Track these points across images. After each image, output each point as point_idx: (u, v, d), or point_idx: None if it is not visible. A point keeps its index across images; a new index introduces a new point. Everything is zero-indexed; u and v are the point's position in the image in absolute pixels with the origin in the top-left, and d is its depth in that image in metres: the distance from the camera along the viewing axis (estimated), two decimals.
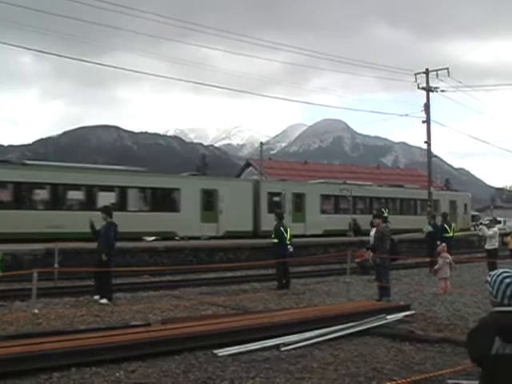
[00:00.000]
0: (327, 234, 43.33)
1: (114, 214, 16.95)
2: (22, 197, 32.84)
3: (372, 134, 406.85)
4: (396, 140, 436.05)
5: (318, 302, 16.03)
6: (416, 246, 36.68)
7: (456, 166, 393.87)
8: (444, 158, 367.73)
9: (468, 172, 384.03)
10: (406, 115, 48.10)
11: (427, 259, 24.81)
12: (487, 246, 22.29)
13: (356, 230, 44.34)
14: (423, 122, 45.49)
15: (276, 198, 43.02)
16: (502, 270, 3.96)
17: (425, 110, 45.41)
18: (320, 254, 33.91)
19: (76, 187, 34.26)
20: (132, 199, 36.54)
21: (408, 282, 21.42)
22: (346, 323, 11.71)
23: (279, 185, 45.40)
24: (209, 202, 39.58)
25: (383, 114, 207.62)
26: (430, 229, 26.85)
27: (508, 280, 3.85)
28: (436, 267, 19.05)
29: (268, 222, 35.72)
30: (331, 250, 35.13)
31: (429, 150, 46.97)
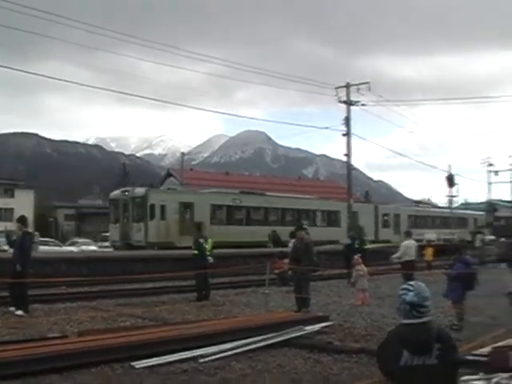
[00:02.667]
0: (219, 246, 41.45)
1: None
2: None
3: (293, 146, 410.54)
4: (317, 152, 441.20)
5: (236, 314, 16.07)
6: (335, 258, 37.23)
7: (376, 178, 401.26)
8: (364, 171, 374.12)
9: (387, 185, 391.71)
10: (327, 128, 48.94)
11: (345, 271, 25.22)
12: (403, 258, 22.72)
13: (276, 241, 44.65)
14: (343, 135, 46.33)
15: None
16: (407, 284, 4.09)
17: (345, 123, 46.25)
18: (240, 265, 33.99)
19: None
20: None
21: (327, 293, 21.72)
22: (265, 334, 11.78)
23: (165, 194, 43.01)
24: None
25: (305, 127, 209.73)
26: (349, 241, 27.40)
27: (403, 295, 3.98)
28: (352, 279, 19.41)
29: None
30: (251, 261, 35.26)
31: (348, 162, 47.83)
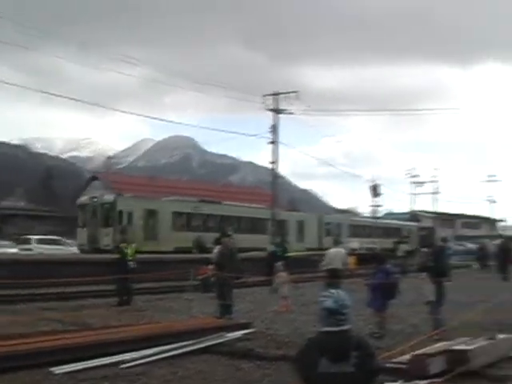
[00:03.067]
0: (179, 250, 42.50)
1: None
2: None
3: (220, 153, 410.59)
4: (244, 159, 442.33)
5: (159, 319, 15.94)
6: (260, 265, 37.40)
7: (302, 186, 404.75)
8: (290, 179, 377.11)
9: (313, 193, 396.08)
10: (254, 136, 49.27)
11: (270, 278, 25.33)
12: (328, 266, 22.91)
13: (200, 247, 44.55)
14: (270, 142, 46.66)
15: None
16: (328, 291, 4.14)
17: (272, 131, 46.60)
18: (166, 270, 33.72)
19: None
20: None
21: (250, 300, 21.76)
22: (187, 340, 11.72)
23: (132, 201, 43.88)
24: None
25: (232, 134, 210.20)
26: (274, 248, 27.59)
27: (322, 301, 4.03)
28: (273, 286, 19.54)
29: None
30: (178, 266, 35.06)
31: (274, 170, 48.21)
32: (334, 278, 20.85)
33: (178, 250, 42.14)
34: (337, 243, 24.52)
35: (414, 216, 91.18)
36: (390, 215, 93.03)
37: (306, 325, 15.28)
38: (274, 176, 49.22)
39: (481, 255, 45.73)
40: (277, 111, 46.89)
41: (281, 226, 50.47)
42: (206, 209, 48.47)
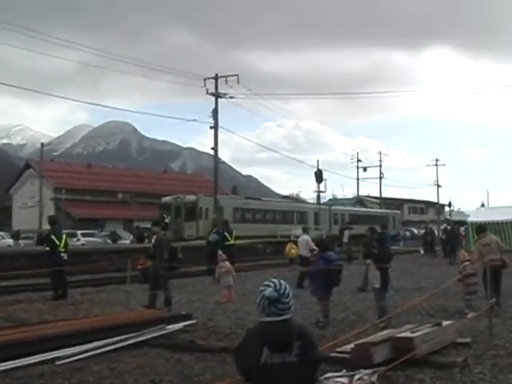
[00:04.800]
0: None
1: None
2: None
3: (160, 139, 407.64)
4: (185, 145, 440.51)
5: (96, 313, 15.76)
6: (201, 254, 37.42)
7: (244, 173, 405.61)
8: (232, 165, 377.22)
9: (256, 179, 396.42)
10: (195, 121, 49.01)
11: (211, 267, 25.31)
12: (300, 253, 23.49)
13: (139, 237, 44.28)
14: (211, 127, 46.50)
15: None
16: (268, 280, 4.16)
17: (213, 115, 46.43)
18: (102, 261, 33.42)
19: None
20: None
21: (191, 290, 21.71)
22: (125, 334, 11.62)
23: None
24: None
25: (172, 119, 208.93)
26: (216, 237, 27.55)
27: (263, 290, 4.06)
28: (216, 276, 19.54)
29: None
30: (114, 256, 34.78)
31: (215, 156, 48.11)
32: (304, 265, 21.01)
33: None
34: (305, 231, 24.95)
35: (359, 201, 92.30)
36: (334, 201, 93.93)
37: (247, 315, 15.31)
38: (216, 162, 49.12)
39: (427, 240, 46.52)
40: (217, 95, 46.74)
41: (303, 216, 63.20)
42: (253, 204, 60.24)
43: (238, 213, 56.57)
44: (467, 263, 16.11)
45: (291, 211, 64.61)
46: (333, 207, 74.40)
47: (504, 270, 16.27)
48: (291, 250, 32.41)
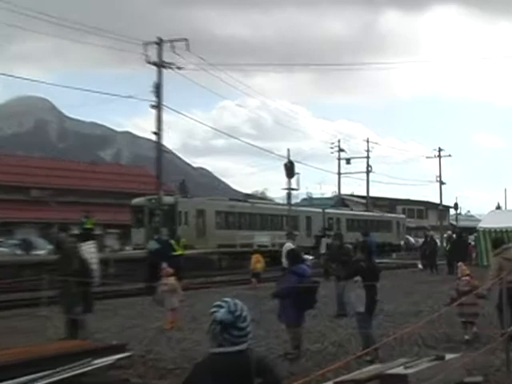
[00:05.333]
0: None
1: None
2: None
3: (87, 120, 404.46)
4: (119, 129, 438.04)
5: (6, 345, 15.60)
6: (139, 267, 37.27)
7: (195, 164, 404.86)
8: (180, 155, 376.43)
9: (210, 173, 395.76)
10: (132, 97, 48.60)
11: (152, 284, 25.20)
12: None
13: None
14: (152, 106, 46.25)
15: None
16: (221, 300, 4.16)
17: (155, 91, 46.10)
18: (9, 278, 33.03)
19: None
20: None
21: (126, 314, 21.65)
22: (41, 371, 11.51)
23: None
24: None
25: (103, 95, 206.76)
26: (156, 245, 27.47)
27: (214, 312, 4.11)
28: (157, 296, 19.50)
29: None
30: (26, 272, 34.44)
31: (159, 142, 47.92)
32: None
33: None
34: (290, 237, 25.16)
35: (339, 201, 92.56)
36: (308, 201, 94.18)
37: (197, 345, 15.31)
38: (159, 151, 48.94)
39: (426, 252, 46.57)
40: (161, 65, 46.45)
41: (294, 221, 64.85)
42: (239, 207, 63.60)
43: (221, 217, 60.63)
44: (466, 278, 16.42)
45: (280, 216, 67.75)
46: (327, 210, 77.05)
47: None
48: (257, 263, 32.46)
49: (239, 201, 69.51)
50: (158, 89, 46.14)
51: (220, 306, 4.09)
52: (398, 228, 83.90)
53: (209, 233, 57.24)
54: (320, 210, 74.56)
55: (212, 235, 56.76)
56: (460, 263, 19.34)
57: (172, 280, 19.61)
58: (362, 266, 14.87)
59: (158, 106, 46.23)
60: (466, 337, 15.74)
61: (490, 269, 17.11)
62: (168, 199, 55.65)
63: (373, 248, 25.65)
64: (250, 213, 64.02)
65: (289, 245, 24.19)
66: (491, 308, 15.91)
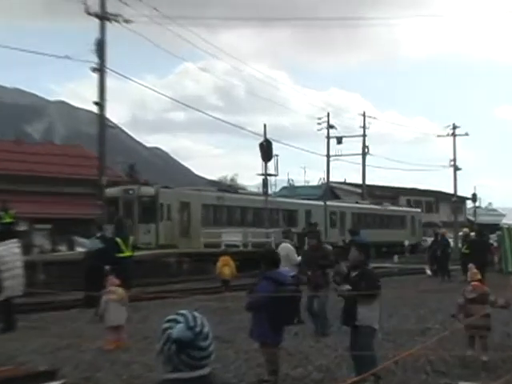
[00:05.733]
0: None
1: None
2: None
3: (9, 86, 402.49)
4: (51, 98, 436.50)
5: None
6: (75, 272, 37.15)
7: (148, 143, 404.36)
8: (129, 131, 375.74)
9: (166, 154, 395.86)
10: (67, 58, 48.16)
11: (93, 294, 25.12)
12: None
13: None
14: (94, 70, 45.98)
15: None
16: (176, 313, 4.14)
17: (97, 50, 45.77)
18: None
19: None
20: None
21: (59, 331, 21.60)
22: None
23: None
24: None
25: (32, 54, 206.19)
26: (99, 244, 27.35)
27: (167, 328, 4.07)
28: (100, 310, 19.48)
29: None
30: None
31: (102, 115, 47.73)
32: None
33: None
34: (287, 236, 25.17)
35: (328, 191, 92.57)
36: (289, 190, 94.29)
37: (148, 370, 15.29)
38: (102, 125, 48.75)
39: (437, 254, 46.55)
40: (104, 17, 46.20)
41: (291, 216, 71.85)
42: (230, 200, 66.56)
43: (209, 212, 64.19)
44: (474, 284, 16.72)
45: (276, 210, 71.82)
46: (328, 203, 79.76)
47: None
48: (224, 266, 32.47)
49: (228, 192, 71.76)
50: (100, 47, 45.79)
51: (176, 321, 4.05)
52: (413, 224, 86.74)
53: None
54: (321, 203, 76.77)
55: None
56: (471, 265, 19.68)
57: (118, 289, 19.54)
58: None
59: (100, 70, 45.98)
60: (484, 358, 15.83)
61: None
62: (147, 190, 58.74)
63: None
64: (215, 205, 64.82)
65: (286, 245, 24.12)
66: None
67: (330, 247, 24.41)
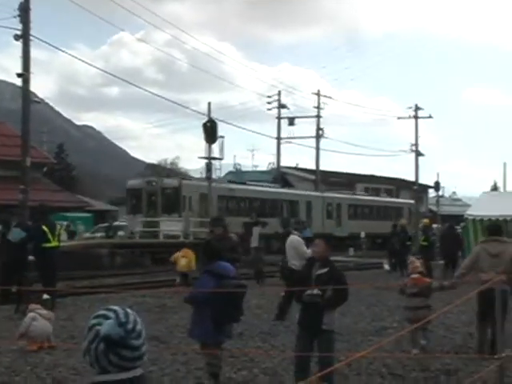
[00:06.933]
0: None
1: None
2: None
3: None
4: None
5: None
6: None
7: (78, 121, 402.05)
8: (57, 108, 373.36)
9: (99, 133, 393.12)
10: None
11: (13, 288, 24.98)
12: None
13: None
14: (16, 37, 45.56)
15: None
16: (104, 309, 4.12)
17: (20, 15, 45.38)
18: None
19: None
20: None
21: None
22: None
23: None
24: None
25: None
26: (21, 234, 27.09)
27: (95, 325, 4.02)
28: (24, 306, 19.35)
29: None
30: None
31: (26, 89, 47.37)
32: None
33: None
34: (298, 227, 25.24)
35: (279, 177, 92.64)
36: (236, 175, 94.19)
37: (77, 373, 15.23)
38: (26, 100, 48.39)
39: (395, 247, 46.60)
40: None
41: (292, 207, 78.62)
42: (240, 191, 74.06)
43: (223, 203, 71.06)
44: (414, 278, 17.15)
45: (279, 200, 79.38)
46: (325, 194, 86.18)
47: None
48: (181, 258, 32.41)
49: (236, 183, 78.07)
50: (25, 12, 45.46)
51: (105, 317, 3.98)
52: (410, 216, 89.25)
53: None
54: (319, 194, 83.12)
55: None
56: (412, 258, 20.16)
57: (45, 312, 19.33)
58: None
59: (24, 37, 45.57)
60: (414, 351, 16.74)
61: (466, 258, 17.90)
62: (170, 182, 66.70)
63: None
64: (248, 197, 74.39)
65: (294, 238, 24.23)
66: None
67: (235, 237, 24.46)
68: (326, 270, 13.75)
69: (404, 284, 17.84)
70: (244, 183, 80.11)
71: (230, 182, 79.82)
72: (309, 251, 23.53)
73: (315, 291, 13.53)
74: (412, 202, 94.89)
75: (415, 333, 16.74)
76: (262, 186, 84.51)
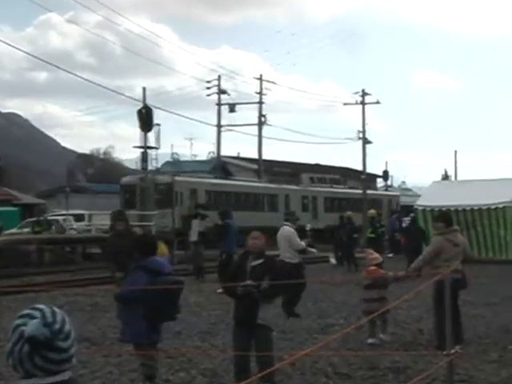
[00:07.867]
0: None
1: None
2: None
3: None
4: None
5: None
6: None
7: (4, 109, 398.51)
8: None
9: (26, 121, 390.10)
10: None
11: None
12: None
13: None
14: None
15: None
16: (30, 308, 4.12)
17: None
18: None
19: None
20: None
21: None
22: None
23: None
24: None
25: None
26: None
27: (20, 325, 3.99)
28: None
29: None
30: None
31: None
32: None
33: None
34: (289, 219, 25.37)
35: (219, 166, 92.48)
36: (173, 165, 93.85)
37: (1, 379, 15.17)
38: None
39: (342, 240, 46.45)
40: None
41: (272, 200, 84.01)
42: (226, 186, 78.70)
43: (210, 198, 74.34)
44: (369, 270, 17.70)
45: (262, 194, 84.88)
46: (301, 187, 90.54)
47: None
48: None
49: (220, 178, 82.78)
50: None
51: (30, 316, 3.96)
52: (391, 208, 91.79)
53: None
54: (296, 188, 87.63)
55: None
56: (369, 250, 20.52)
57: None
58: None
59: None
60: (370, 340, 17.69)
61: (425, 250, 18.11)
62: (163, 178, 70.07)
63: (234, 235, 26.40)
64: (234, 192, 78.92)
65: (287, 229, 24.51)
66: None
67: (139, 232, 24.47)
68: (260, 261, 13.85)
69: (361, 276, 18.32)
70: (227, 178, 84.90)
71: (216, 177, 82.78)
72: (302, 243, 23.91)
73: (248, 282, 13.54)
74: (395, 194, 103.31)
75: (372, 325, 17.42)
76: (248, 180, 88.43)
